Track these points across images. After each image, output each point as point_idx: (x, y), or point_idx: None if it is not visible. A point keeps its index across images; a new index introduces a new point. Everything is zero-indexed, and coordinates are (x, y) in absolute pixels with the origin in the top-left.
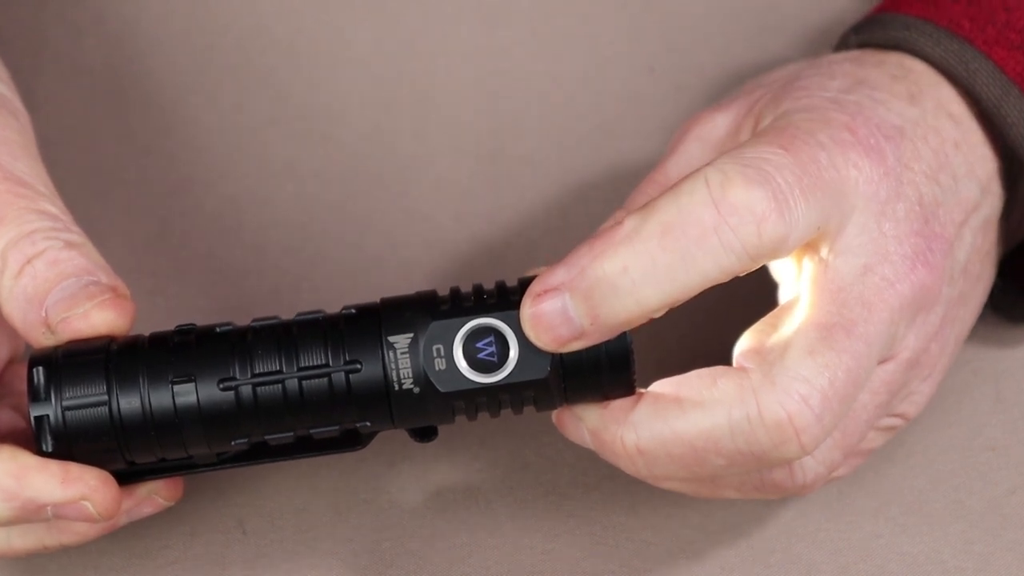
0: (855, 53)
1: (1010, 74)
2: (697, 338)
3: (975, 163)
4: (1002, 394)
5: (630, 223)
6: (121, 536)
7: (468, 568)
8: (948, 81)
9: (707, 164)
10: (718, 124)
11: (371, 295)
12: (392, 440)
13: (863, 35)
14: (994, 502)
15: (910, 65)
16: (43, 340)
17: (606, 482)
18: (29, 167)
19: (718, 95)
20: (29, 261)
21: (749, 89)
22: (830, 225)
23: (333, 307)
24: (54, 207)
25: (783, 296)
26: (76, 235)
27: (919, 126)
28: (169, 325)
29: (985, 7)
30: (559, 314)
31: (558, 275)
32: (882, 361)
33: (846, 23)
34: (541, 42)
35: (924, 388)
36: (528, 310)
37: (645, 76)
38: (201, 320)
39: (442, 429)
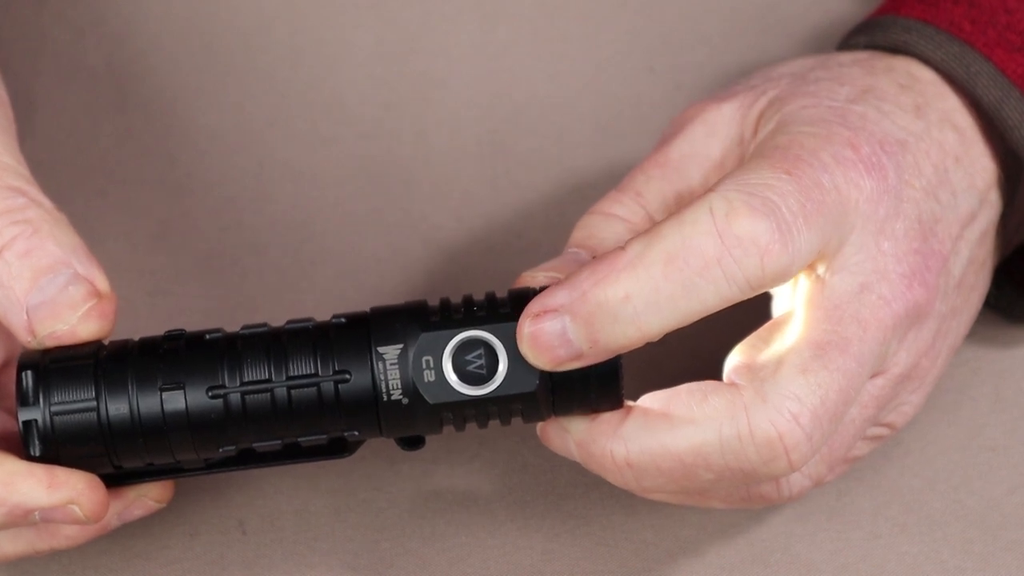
0: (864, 55)
1: (1011, 76)
2: (686, 348)
3: (975, 175)
4: (1001, 394)
5: (633, 249)
6: (121, 536)
7: (468, 568)
8: (953, 90)
9: (711, 190)
10: (724, 113)
11: (371, 295)
12: (391, 440)
13: (866, 37)
14: (993, 502)
15: (918, 74)
16: (30, 344)
17: (605, 482)
18: None
19: None
20: None
21: (755, 82)
22: (829, 246)
23: (331, 307)
24: (16, 179)
25: (776, 309)
26: (44, 210)
27: (922, 140)
28: (169, 325)
29: (986, 9)
30: (558, 336)
31: (559, 297)
32: (872, 376)
33: (846, 23)
34: (541, 42)
35: (913, 399)
36: (527, 329)
37: (645, 76)
38: (200, 320)
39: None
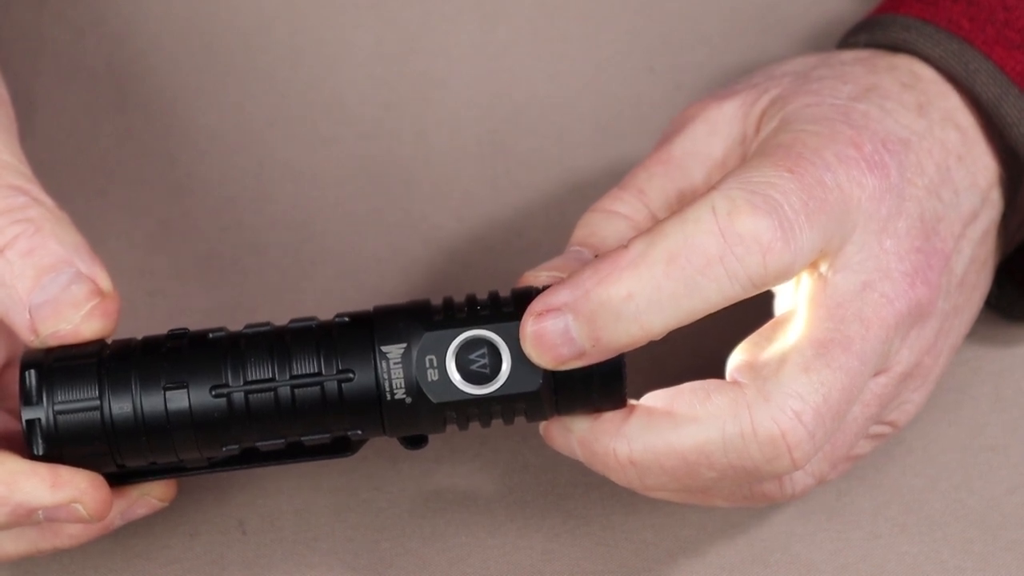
0: (865, 54)
1: (1010, 73)
2: (689, 346)
3: (977, 173)
4: (1002, 393)
5: (636, 247)
6: (121, 536)
7: (468, 568)
8: (955, 89)
9: (714, 188)
10: (726, 111)
11: (371, 295)
12: (392, 440)
13: (866, 35)
14: (993, 502)
15: (920, 72)
16: (32, 344)
17: (606, 482)
18: None
19: None
20: (0, 252)
21: (758, 80)
22: (831, 244)
23: (332, 307)
24: (17, 178)
25: (779, 307)
26: (45, 209)
27: (925, 139)
28: (169, 325)
29: (984, 7)
30: (561, 334)
31: (562, 295)
32: (875, 374)
33: (846, 23)
34: (541, 42)
35: (915, 398)
36: (530, 328)
37: (645, 76)
38: (200, 320)
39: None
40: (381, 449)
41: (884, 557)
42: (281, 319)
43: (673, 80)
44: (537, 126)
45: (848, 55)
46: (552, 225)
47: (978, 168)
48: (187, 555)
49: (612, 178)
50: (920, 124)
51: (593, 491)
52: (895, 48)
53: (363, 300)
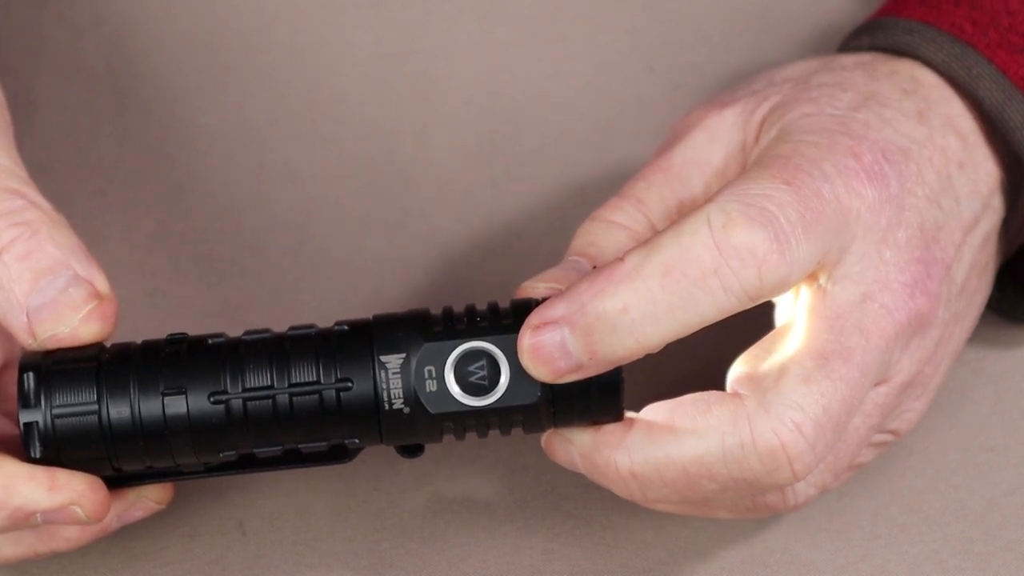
0: (867, 58)
1: (1013, 78)
2: (688, 355)
3: (979, 180)
4: (1002, 394)
5: (631, 260)
6: (120, 537)
7: (468, 568)
8: (956, 94)
9: (710, 201)
10: (726, 119)
11: (371, 295)
12: None
13: (868, 38)
14: (993, 502)
15: (921, 77)
16: (30, 347)
17: None
18: None
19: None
20: None
21: (758, 86)
22: (830, 256)
23: (331, 308)
24: (14, 181)
25: (779, 318)
26: (42, 212)
27: (925, 147)
28: (168, 325)
29: (987, 11)
30: (558, 347)
31: (558, 309)
32: (876, 384)
33: (846, 24)
34: (541, 42)
35: (916, 406)
36: (527, 341)
37: (645, 76)
38: (200, 321)
39: None
40: (381, 450)
41: (884, 557)
42: (280, 319)
43: (673, 80)
44: (537, 126)
45: (849, 59)
46: (552, 226)
47: (979, 174)
48: (187, 556)
49: (612, 179)
50: (920, 132)
51: (593, 492)
52: (897, 51)
53: (362, 300)
